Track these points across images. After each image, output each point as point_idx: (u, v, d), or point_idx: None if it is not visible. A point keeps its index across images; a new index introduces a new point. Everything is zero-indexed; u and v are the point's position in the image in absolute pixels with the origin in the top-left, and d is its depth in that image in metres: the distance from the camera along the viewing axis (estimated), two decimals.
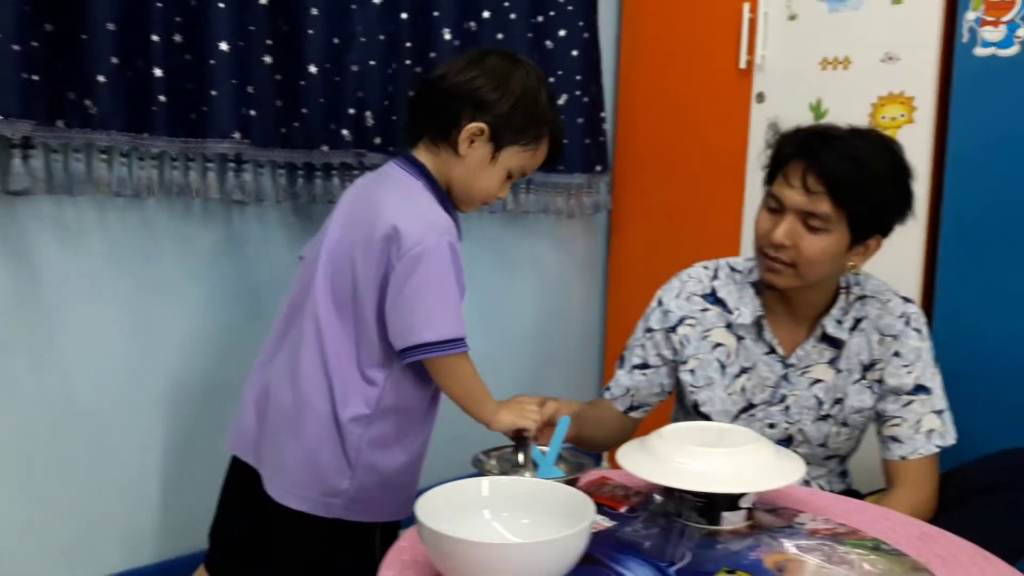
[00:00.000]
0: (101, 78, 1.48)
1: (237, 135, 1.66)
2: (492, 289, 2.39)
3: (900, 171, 1.36)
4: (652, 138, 2.51)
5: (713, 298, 1.49)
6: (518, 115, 1.30)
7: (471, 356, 1.33)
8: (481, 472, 1.20)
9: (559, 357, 2.61)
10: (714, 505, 1.11)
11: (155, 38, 1.55)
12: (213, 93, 1.62)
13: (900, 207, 1.37)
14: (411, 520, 1.27)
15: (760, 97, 2.22)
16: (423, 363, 1.29)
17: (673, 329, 1.50)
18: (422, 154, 1.35)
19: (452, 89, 1.31)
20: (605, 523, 1.11)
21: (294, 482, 1.31)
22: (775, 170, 1.40)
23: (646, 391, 1.55)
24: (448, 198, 1.35)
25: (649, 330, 1.53)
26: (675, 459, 1.12)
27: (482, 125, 1.29)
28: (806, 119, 2.05)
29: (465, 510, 1.00)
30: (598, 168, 2.46)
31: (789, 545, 1.07)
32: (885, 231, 1.39)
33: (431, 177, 1.33)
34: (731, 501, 1.11)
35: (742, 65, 2.22)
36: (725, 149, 2.31)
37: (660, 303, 1.53)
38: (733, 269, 1.51)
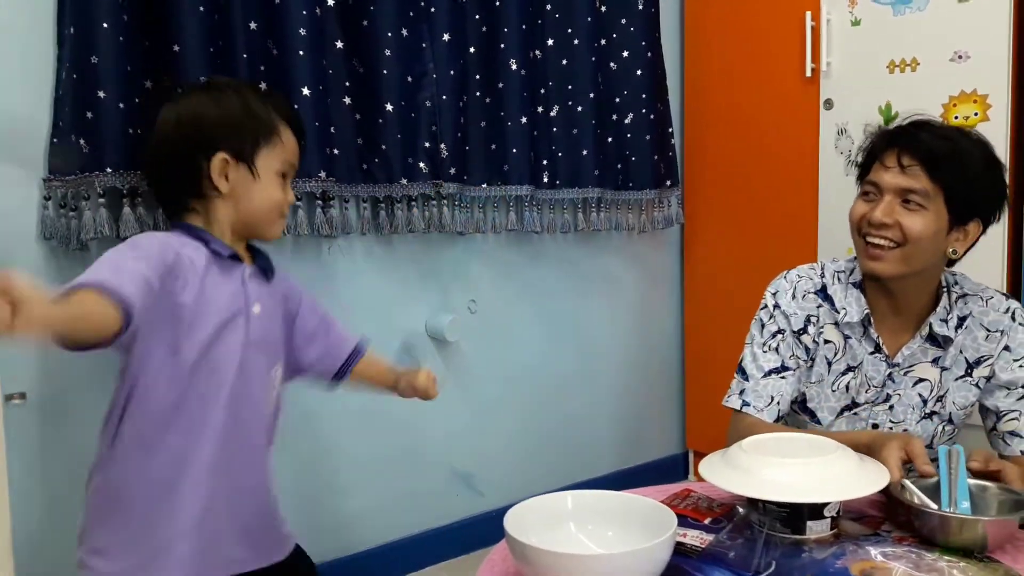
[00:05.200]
0: None
1: (323, 174, 1.76)
2: (567, 308, 2.43)
3: (991, 160, 1.38)
4: (722, 150, 2.53)
5: (824, 294, 1.48)
6: (241, 123, 1.28)
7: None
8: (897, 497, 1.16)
9: (639, 372, 2.63)
10: (798, 515, 1.12)
11: None
12: None
13: (994, 194, 1.39)
14: None
15: (828, 103, 2.21)
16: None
17: (803, 331, 1.46)
18: (191, 220, 1.30)
19: (175, 148, 1.28)
20: (704, 537, 1.12)
21: None
22: (869, 163, 1.42)
23: (788, 396, 1.45)
24: (214, 236, 1.28)
25: (780, 332, 1.47)
26: (758, 470, 1.13)
27: (223, 155, 1.26)
28: (876, 123, 2.05)
29: (551, 523, 1.04)
30: (668, 183, 2.48)
31: (875, 553, 1.07)
32: (983, 217, 1.39)
33: (184, 224, 1.28)
34: (815, 510, 1.12)
35: (808, 73, 2.23)
36: (795, 157, 2.31)
37: (777, 306, 1.48)
38: (836, 270, 1.51)
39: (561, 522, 1.06)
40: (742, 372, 1.49)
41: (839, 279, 1.49)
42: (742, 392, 1.47)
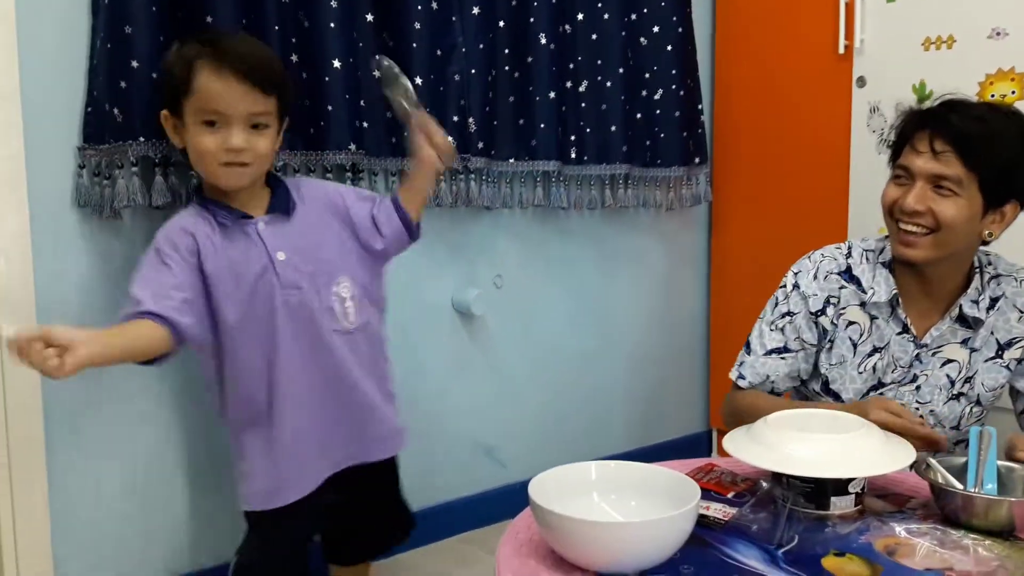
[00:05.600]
0: None
1: (352, 147, 1.77)
2: (593, 284, 2.43)
3: None
4: (752, 128, 2.50)
5: (848, 275, 1.47)
6: (168, 76, 1.35)
7: None
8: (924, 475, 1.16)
9: (663, 350, 2.63)
10: (823, 490, 1.12)
11: None
12: (329, 108, 1.73)
13: None
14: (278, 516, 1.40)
15: (861, 81, 2.18)
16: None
17: (821, 312, 1.46)
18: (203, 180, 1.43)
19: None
20: (728, 510, 1.13)
21: None
22: (901, 145, 1.40)
23: (784, 376, 1.50)
24: (215, 197, 1.38)
25: (789, 313, 1.48)
26: (783, 445, 1.14)
27: (164, 112, 1.37)
28: (910, 101, 2.02)
29: (575, 492, 1.05)
30: (697, 160, 2.46)
31: (899, 529, 1.07)
32: (1021, 199, 1.37)
33: (198, 195, 1.41)
34: (840, 486, 1.12)
35: (840, 50, 2.19)
36: (827, 135, 2.28)
37: (796, 287, 1.49)
38: (865, 249, 1.49)
39: (584, 491, 1.07)
40: (747, 346, 1.53)
41: (867, 259, 1.47)
42: (741, 364, 1.53)
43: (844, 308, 1.46)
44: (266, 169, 1.42)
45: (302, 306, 1.38)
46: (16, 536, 1.55)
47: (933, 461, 1.16)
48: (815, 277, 1.48)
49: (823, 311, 1.47)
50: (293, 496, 1.43)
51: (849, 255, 1.49)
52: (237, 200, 1.38)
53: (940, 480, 1.14)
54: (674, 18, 2.35)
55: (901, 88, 2.07)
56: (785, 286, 1.51)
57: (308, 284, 1.39)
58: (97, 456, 1.65)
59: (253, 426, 1.42)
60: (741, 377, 1.52)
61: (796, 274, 1.50)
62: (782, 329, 1.49)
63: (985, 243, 1.42)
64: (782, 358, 1.49)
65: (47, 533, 1.59)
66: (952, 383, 1.43)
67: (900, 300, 1.43)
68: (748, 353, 1.52)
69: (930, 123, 1.34)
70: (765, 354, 1.50)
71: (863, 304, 1.45)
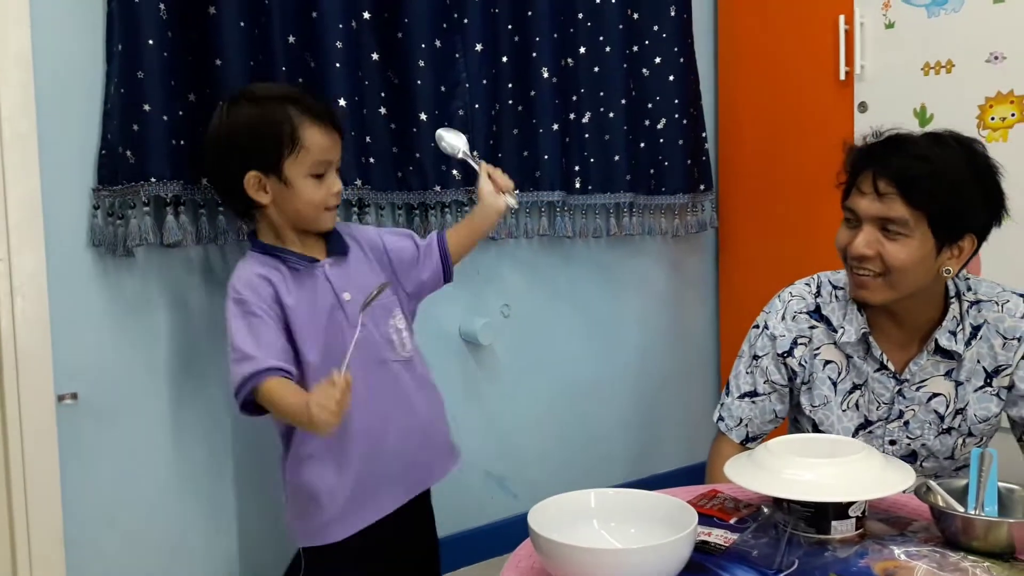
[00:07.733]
0: None
1: (359, 182, 1.81)
2: (601, 312, 2.45)
3: (981, 168, 1.30)
4: (756, 154, 2.53)
5: (818, 315, 1.44)
6: (262, 137, 1.35)
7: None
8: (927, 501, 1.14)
9: (673, 378, 2.63)
10: (823, 514, 1.12)
11: None
12: None
13: (988, 206, 1.31)
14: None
15: (863, 107, 2.21)
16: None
17: (788, 353, 1.45)
18: (260, 229, 1.44)
19: (218, 168, 1.43)
20: (729, 536, 1.13)
21: None
22: (850, 185, 1.37)
23: (759, 420, 1.49)
24: (279, 245, 1.41)
25: (755, 357, 1.48)
26: (783, 470, 1.14)
27: (253, 172, 1.35)
28: (911, 126, 2.03)
29: (575, 520, 1.06)
30: (702, 187, 2.49)
31: (899, 552, 1.07)
32: (978, 231, 1.33)
33: (259, 243, 1.42)
34: (840, 510, 1.12)
35: (842, 76, 2.22)
36: (830, 161, 2.27)
37: (765, 327, 1.48)
38: (835, 286, 1.46)
39: (585, 519, 1.08)
40: (727, 386, 1.54)
41: (836, 297, 1.45)
42: (722, 406, 1.54)
43: (818, 348, 1.44)
44: None
45: (368, 342, 1.40)
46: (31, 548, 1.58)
47: (933, 484, 1.16)
48: (783, 318, 1.46)
49: (790, 352, 1.45)
50: (369, 518, 1.44)
51: (818, 294, 1.46)
52: (303, 246, 1.42)
53: (940, 502, 1.14)
54: (676, 48, 2.39)
55: (902, 113, 2.09)
56: (757, 326, 1.50)
57: (370, 320, 1.41)
58: (109, 461, 1.67)
59: (324, 459, 1.41)
60: (721, 419, 1.53)
61: (767, 314, 1.50)
62: (750, 372, 1.49)
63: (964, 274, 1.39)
64: (753, 402, 1.49)
65: (60, 536, 1.61)
66: (941, 418, 1.39)
67: (872, 338, 1.39)
68: (727, 394, 1.53)
69: (872, 163, 1.30)
70: (739, 397, 1.50)
71: (836, 343, 1.43)
